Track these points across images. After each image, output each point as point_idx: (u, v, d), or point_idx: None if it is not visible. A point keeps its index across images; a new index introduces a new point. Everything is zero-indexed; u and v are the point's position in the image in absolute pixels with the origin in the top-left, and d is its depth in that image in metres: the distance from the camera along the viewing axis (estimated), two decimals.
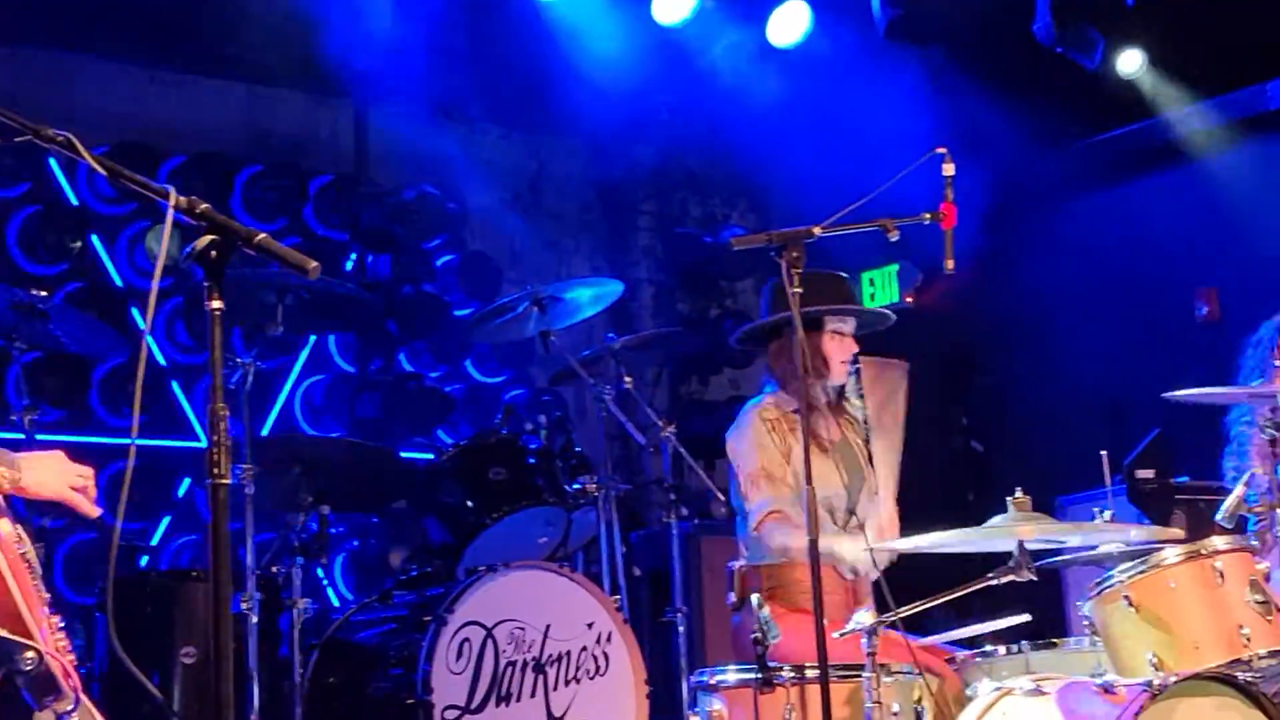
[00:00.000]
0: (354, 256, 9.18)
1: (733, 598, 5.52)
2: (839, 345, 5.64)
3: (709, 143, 10.05)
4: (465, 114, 9.44)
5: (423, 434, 9.03)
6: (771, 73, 9.27)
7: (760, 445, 5.52)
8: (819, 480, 5.33)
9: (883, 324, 5.78)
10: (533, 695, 6.19)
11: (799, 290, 4.59)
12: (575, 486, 6.86)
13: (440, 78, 8.71)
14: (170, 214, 3.34)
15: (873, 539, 5.39)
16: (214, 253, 3.31)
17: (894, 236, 4.70)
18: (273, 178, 8.93)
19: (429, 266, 9.47)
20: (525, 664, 6.18)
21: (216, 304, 3.32)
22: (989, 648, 5.10)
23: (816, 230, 4.63)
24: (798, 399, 5.55)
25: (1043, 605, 7.51)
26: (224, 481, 3.29)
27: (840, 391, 5.75)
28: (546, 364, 9.01)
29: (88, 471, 3.90)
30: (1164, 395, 5.52)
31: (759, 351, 5.90)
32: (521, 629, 6.20)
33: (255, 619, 6.00)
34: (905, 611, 4.75)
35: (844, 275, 5.75)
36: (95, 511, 3.88)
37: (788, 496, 5.46)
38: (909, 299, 10.02)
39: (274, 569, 6.41)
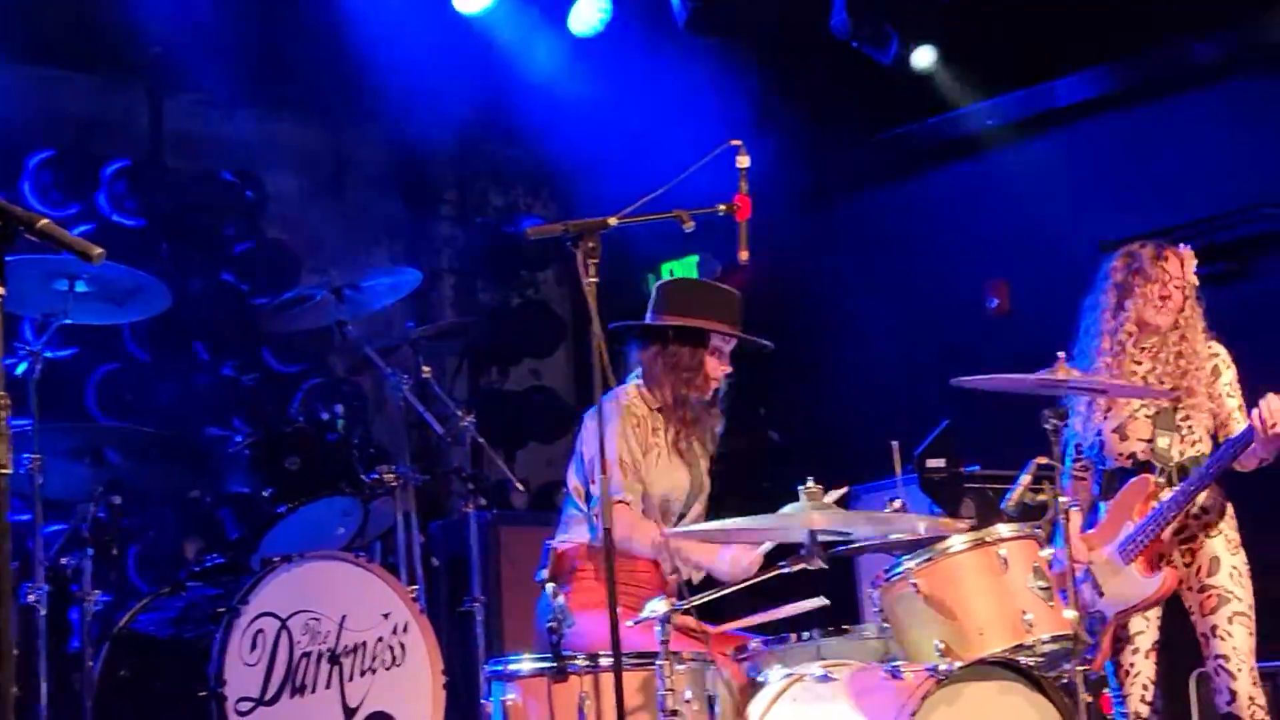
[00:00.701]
0: (148, 243, 9.00)
1: (544, 574, 5.49)
2: (717, 363, 5.66)
3: (511, 133, 10.03)
4: (264, 100, 9.31)
5: (218, 424, 8.89)
6: (572, 63, 9.28)
7: (624, 436, 5.49)
8: (667, 480, 5.41)
9: (761, 350, 5.77)
10: (328, 686, 6.13)
11: (594, 280, 4.59)
12: (372, 477, 6.82)
13: (238, 62, 8.57)
14: None
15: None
16: None
17: (689, 227, 4.73)
18: (64, 163, 8.73)
19: (226, 254, 9.32)
20: (320, 655, 6.13)
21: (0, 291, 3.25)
22: (781, 635, 5.16)
23: (612, 221, 4.65)
24: (662, 399, 5.60)
25: (836, 593, 7.64)
26: (4, 471, 3.23)
27: (704, 402, 5.73)
28: (345, 353, 8.92)
29: None
30: (952, 381, 5.64)
31: (633, 343, 5.79)
32: (317, 620, 6.14)
33: (44, 611, 5.87)
34: (698, 600, 4.80)
35: (737, 294, 5.74)
36: None
37: (638, 491, 5.45)
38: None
39: (63, 561, 6.28)
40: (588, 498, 5.52)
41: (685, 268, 10.31)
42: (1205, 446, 5.88)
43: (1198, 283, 6.09)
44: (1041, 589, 5.02)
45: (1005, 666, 4.73)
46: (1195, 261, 6.09)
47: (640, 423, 5.56)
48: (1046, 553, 5.18)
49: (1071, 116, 8.99)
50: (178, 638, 6.33)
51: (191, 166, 9.25)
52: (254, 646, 6.00)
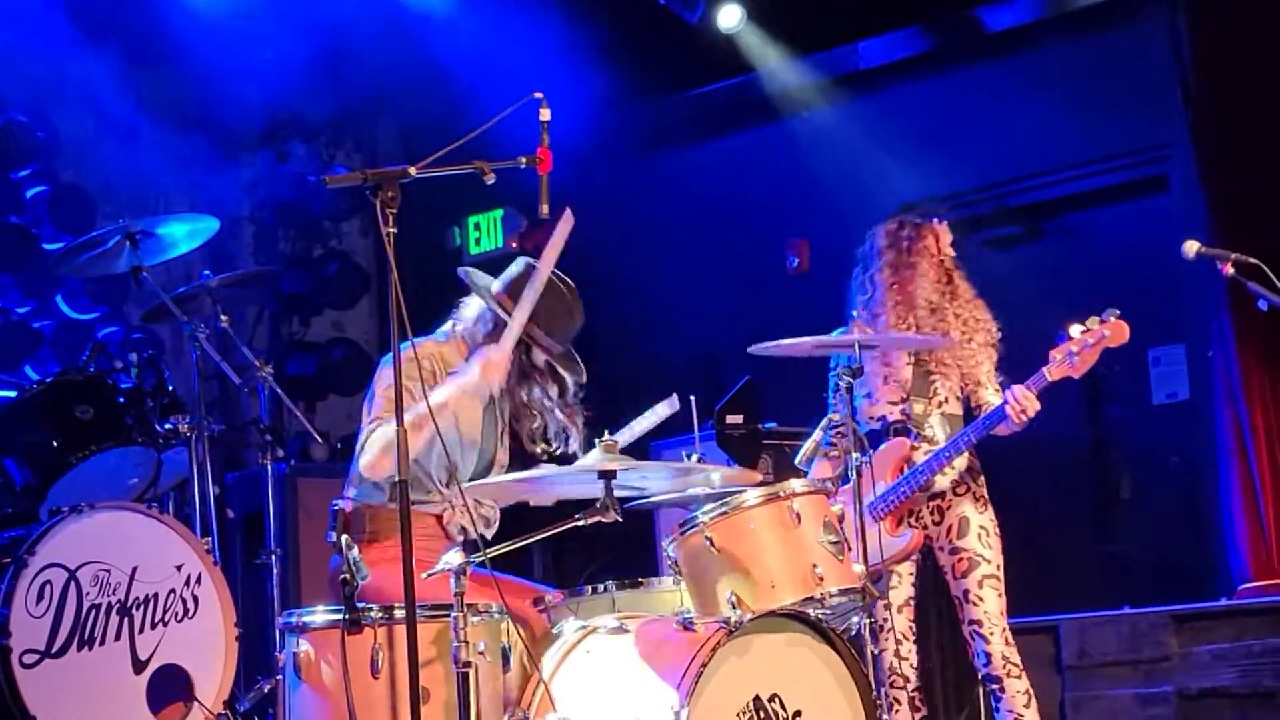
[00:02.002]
0: None
1: (333, 536, 5.42)
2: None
3: (315, 82, 9.89)
4: (59, 38, 9.06)
5: (9, 370, 8.67)
6: (379, 14, 9.18)
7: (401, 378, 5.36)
8: (463, 425, 5.29)
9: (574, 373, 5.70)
10: (118, 639, 6.03)
11: (392, 230, 4.53)
12: (167, 426, 6.70)
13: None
14: None
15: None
16: None
17: (490, 179, 4.70)
18: None
19: (17, 198, 9.09)
20: (110, 607, 6.02)
21: None
22: (577, 587, 5.19)
23: (412, 171, 4.60)
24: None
25: (635, 546, 7.71)
26: None
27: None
28: (142, 301, 8.76)
29: None
30: (749, 350, 5.72)
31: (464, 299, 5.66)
32: (107, 571, 6.03)
33: None
34: (494, 551, 4.80)
35: (579, 312, 5.66)
36: None
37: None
38: (513, 244, 10.10)
39: None
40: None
41: (490, 222, 10.29)
42: (955, 408, 6.11)
43: (954, 254, 6.27)
44: (832, 543, 5.10)
45: (795, 618, 4.80)
46: (950, 235, 6.28)
47: (431, 360, 5.40)
48: (837, 507, 5.27)
49: (873, 79, 9.12)
50: None
51: None
52: (41, 598, 5.88)
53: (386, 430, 5.19)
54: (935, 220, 6.33)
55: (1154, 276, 7.98)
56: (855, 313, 6.21)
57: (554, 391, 5.63)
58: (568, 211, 5.31)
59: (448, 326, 5.59)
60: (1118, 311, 5.94)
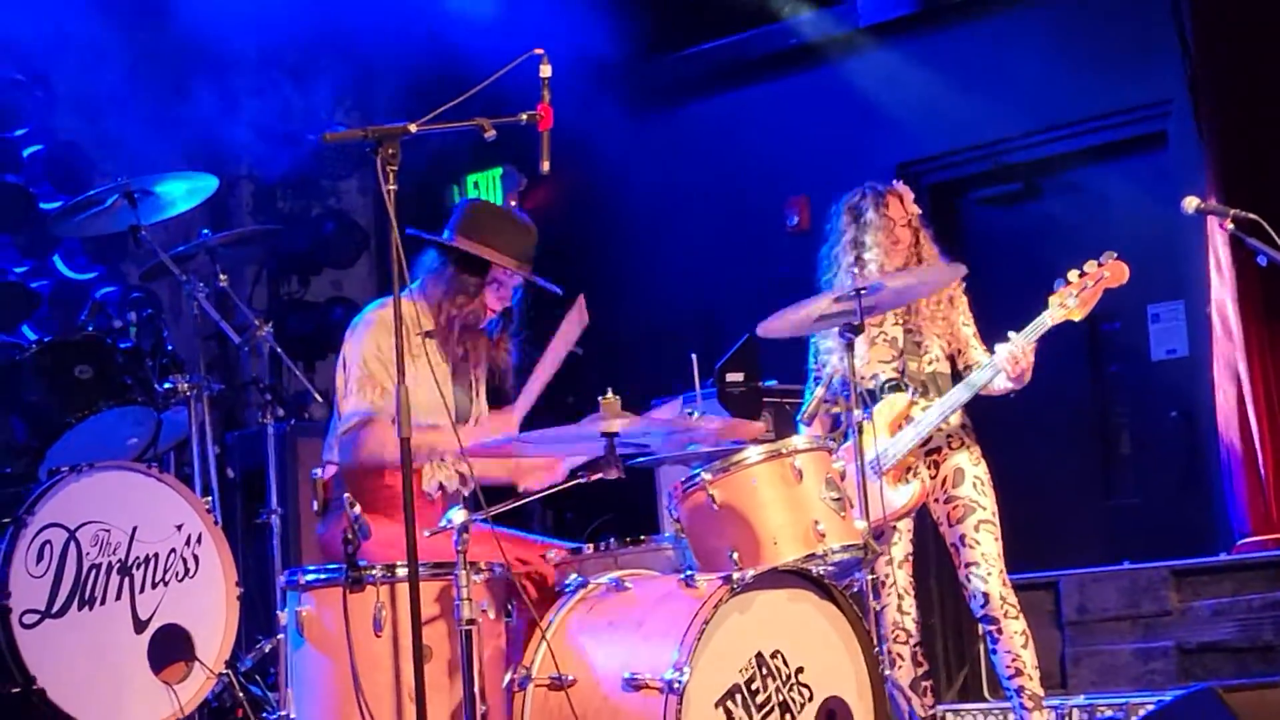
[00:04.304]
0: None
1: (316, 505, 5.40)
2: (495, 296, 5.50)
3: (315, 38, 9.84)
4: None
5: (6, 330, 8.67)
6: None
7: (373, 345, 5.31)
8: (428, 390, 5.22)
9: (548, 293, 5.63)
10: (118, 598, 6.04)
11: (393, 188, 4.52)
12: (166, 386, 6.71)
13: None
14: None
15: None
16: None
17: (490, 135, 4.68)
18: None
19: (14, 157, 9.06)
20: (111, 566, 6.03)
21: None
22: (579, 544, 5.19)
23: (412, 127, 4.58)
24: (435, 318, 5.47)
25: (636, 504, 7.72)
26: None
27: (475, 329, 5.53)
28: (140, 260, 8.74)
29: None
30: (757, 332, 5.72)
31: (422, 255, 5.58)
32: (107, 531, 6.04)
33: None
34: (496, 509, 4.81)
35: (534, 231, 5.61)
36: None
37: (388, 408, 5.25)
38: (512, 201, 10.08)
39: None
40: (339, 417, 5.41)
41: (490, 180, 10.26)
42: (944, 367, 6.13)
43: (920, 211, 6.27)
44: (834, 500, 5.11)
45: (797, 575, 4.80)
46: (913, 194, 6.30)
47: (403, 329, 5.35)
48: (839, 464, 5.27)
49: (872, 37, 9.08)
50: None
51: None
52: (41, 558, 5.88)
53: (372, 444, 5.21)
54: (895, 183, 6.32)
55: (1153, 233, 7.97)
56: (826, 285, 6.19)
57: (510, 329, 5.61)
58: (581, 300, 5.30)
59: (414, 285, 5.52)
60: (1115, 253, 5.94)
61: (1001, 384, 5.97)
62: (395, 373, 4.54)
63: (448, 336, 5.44)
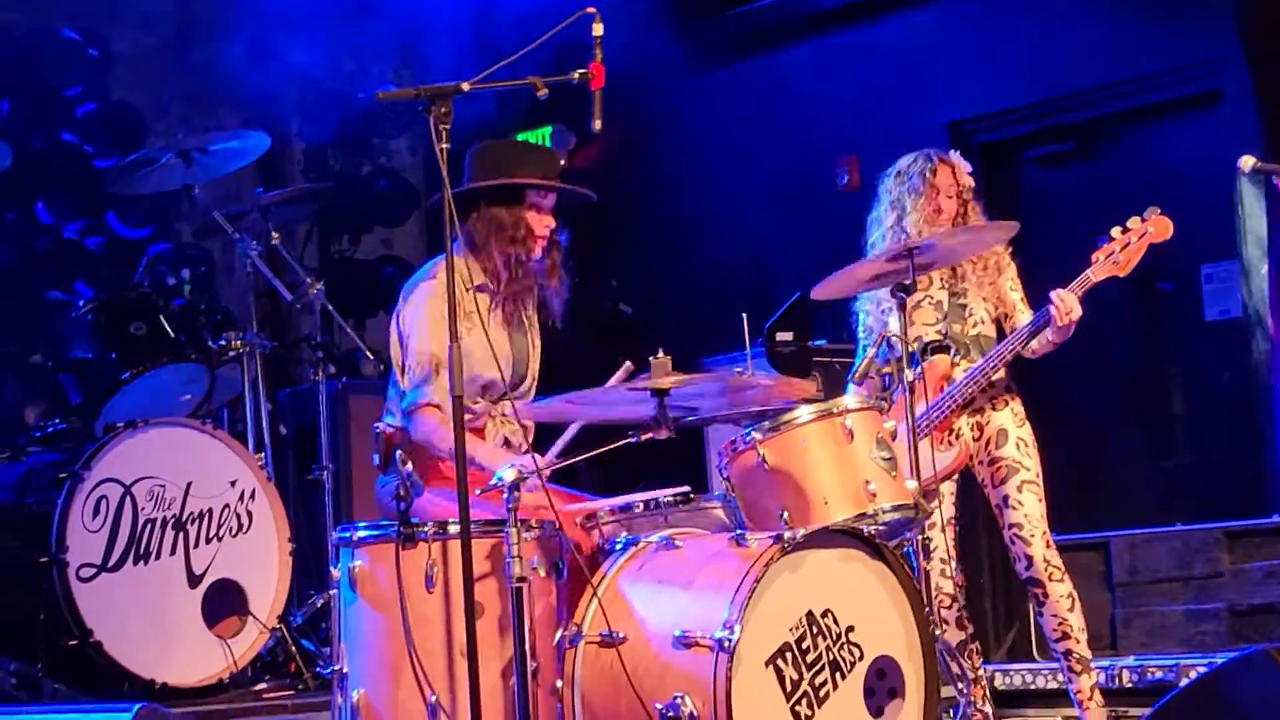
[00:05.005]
0: None
1: (377, 459, 5.43)
2: (539, 217, 5.48)
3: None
4: None
5: (61, 288, 8.73)
6: None
7: (434, 324, 5.28)
8: (484, 357, 5.24)
9: (582, 200, 5.64)
10: (173, 553, 6.11)
11: (446, 146, 4.53)
12: (219, 343, 6.76)
13: None
14: None
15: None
16: None
17: (543, 94, 4.67)
18: None
19: (68, 115, 9.10)
20: (165, 521, 6.10)
21: None
22: (629, 503, 5.19)
23: (465, 86, 4.58)
24: (486, 268, 5.47)
25: (686, 464, 7.73)
26: None
27: (533, 261, 5.52)
28: (193, 219, 8.79)
29: None
30: (811, 295, 5.71)
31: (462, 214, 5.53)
32: (162, 486, 6.11)
33: None
34: (546, 468, 4.82)
35: (553, 150, 5.64)
36: None
37: (445, 391, 5.23)
38: (562, 160, 10.06)
39: None
40: (395, 383, 5.42)
41: (539, 139, 10.24)
42: (989, 330, 6.11)
43: (973, 184, 6.21)
44: (885, 459, 5.10)
45: (848, 534, 4.81)
46: (968, 165, 6.23)
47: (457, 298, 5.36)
48: (890, 424, 5.26)
49: None
50: (18, 504, 6.25)
51: (29, 21, 8.98)
52: (97, 513, 5.95)
53: (426, 431, 5.23)
54: (952, 153, 6.27)
55: (1207, 192, 7.91)
56: (872, 248, 6.16)
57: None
58: (628, 365, 5.30)
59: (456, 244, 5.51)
60: (1159, 209, 5.90)
61: (1042, 342, 5.93)
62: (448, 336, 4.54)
63: (501, 280, 5.45)
